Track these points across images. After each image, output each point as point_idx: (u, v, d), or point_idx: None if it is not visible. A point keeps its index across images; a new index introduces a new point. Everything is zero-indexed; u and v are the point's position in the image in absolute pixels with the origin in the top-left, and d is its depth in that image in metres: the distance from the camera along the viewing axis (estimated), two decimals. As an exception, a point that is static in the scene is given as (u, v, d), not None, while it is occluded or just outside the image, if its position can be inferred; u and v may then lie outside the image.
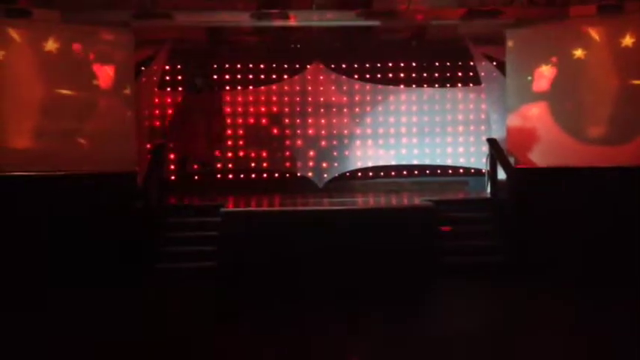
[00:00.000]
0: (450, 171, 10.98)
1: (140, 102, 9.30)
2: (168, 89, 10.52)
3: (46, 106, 8.40)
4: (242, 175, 10.81)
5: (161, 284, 7.46)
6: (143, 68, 9.66)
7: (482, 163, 10.40)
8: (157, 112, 10.40)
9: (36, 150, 8.31)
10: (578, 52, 8.44)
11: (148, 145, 9.69)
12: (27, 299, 6.71)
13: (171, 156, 10.28)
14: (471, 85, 10.81)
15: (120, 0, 8.20)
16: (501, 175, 8.84)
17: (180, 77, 10.58)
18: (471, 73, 10.68)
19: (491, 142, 9.29)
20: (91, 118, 8.66)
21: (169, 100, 10.46)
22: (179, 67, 10.54)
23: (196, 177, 10.63)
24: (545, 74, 8.71)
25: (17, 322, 5.94)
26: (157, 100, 10.30)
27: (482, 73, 9.99)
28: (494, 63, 9.76)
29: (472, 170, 10.87)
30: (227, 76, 10.72)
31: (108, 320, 6.04)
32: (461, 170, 10.95)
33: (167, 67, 10.30)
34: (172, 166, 10.22)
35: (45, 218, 7.84)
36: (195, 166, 10.36)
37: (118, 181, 8.36)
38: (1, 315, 6.24)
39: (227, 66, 10.70)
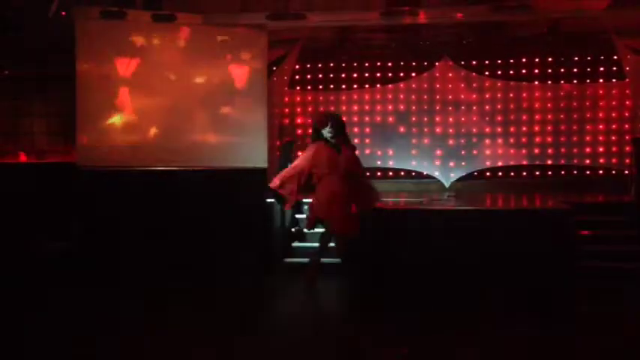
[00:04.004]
0: (588, 172, 10.33)
1: (271, 101, 9.64)
2: (298, 88, 10.78)
3: (184, 105, 8.94)
4: (367, 173, 10.79)
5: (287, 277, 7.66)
6: (274, 68, 9.98)
7: (625, 164, 9.70)
8: (287, 110, 10.71)
9: (173, 146, 8.86)
10: None
11: (277, 143, 10.01)
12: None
13: (299, 153, 10.52)
14: (614, 80, 10.09)
15: (256, 2, 8.53)
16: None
17: (309, 76, 10.80)
18: (614, 68, 9.98)
19: (637, 142, 8.63)
20: (226, 115, 9.10)
21: (298, 99, 10.73)
22: (309, 66, 10.76)
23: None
24: (701, 67, 7.96)
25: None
26: (286, 99, 10.61)
27: (627, 68, 9.28)
28: (642, 56, 9.03)
29: (613, 172, 10.17)
30: (355, 75, 10.81)
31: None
32: (600, 172, 10.28)
33: (297, 67, 10.55)
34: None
35: (180, 210, 8.34)
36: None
37: (249, 177, 8.71)
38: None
39: (355, 64, 10.78)
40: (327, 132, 6.54)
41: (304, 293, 7.03)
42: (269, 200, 8.17)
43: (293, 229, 8.32)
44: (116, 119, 8.73)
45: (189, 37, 8.85)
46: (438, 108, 10.57)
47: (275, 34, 9.20)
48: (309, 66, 10.76)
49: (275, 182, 6.79)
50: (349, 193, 6.63)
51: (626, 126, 9.94)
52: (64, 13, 8.36)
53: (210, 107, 8.99)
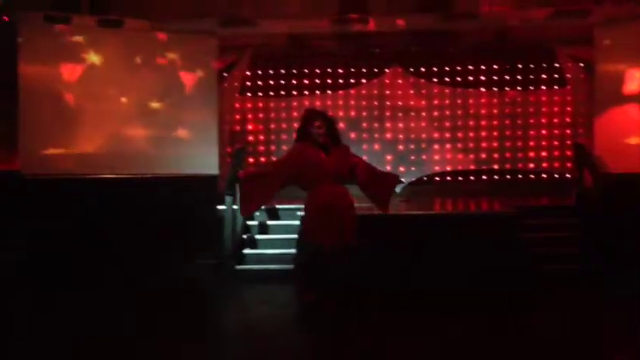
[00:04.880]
0: (532, 176, 10.65)
1: (222, 107, 9.60)
2: (249, 94, 10.75)
3: (133, 112, 8.82)
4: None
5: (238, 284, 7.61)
6: (225, 74, 9.94)
7: (567, 168, 10.05)
8: (238, 116, 10.66)
9: (121, 153, 8.74)
10: (674, 52, 8.05)
11: (228, 149, 9.97)
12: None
13: (251, 159, 10.52)
14: (556, 87, 10.44)
15: (206, 9, 8.48)
16: (588, 180, 8.52)
17: (260, 82, 10.78)
18: (556, 75, 10.31)
19: (577, 147, 8.97)
20: (176, 122, 9.02)
21: (250, 105, 10.70)
22: (260, 72, 10.74)
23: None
24: (637, 76, 8.34)
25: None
26: (237, 105, 10.56)
27: (569, 75, 9.67)
28: (582, 64, 9.40)
29: (556, 176, 10.51)
30: (306, 81, 10.85)
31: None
32: (544, 175, 10.62)
33: (248, 73, 10.51)
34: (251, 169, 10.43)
35: (130, 219, 8.21)
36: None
37: (200, 184, 8.67)
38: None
39: (306, 71, 10.82)
40: (314, 130, 5.61)
41: (255, 301, 7.02)
42: (220, 207, 8.12)
43: (245, 236, 8.28)
44: (61, 126, 8.54)
45: (138, 43, 8.74)
46: (388, 114, 10.71)
47: (226, 40, 9.19)
48: (260, 72, 10.72)
49: (248, 172, 6.06)
50: (348, 196, 5.85)
51: (568, 131, 10.30)
52: (6, 18, 8.13)
53: (159, 114, 8.92)
